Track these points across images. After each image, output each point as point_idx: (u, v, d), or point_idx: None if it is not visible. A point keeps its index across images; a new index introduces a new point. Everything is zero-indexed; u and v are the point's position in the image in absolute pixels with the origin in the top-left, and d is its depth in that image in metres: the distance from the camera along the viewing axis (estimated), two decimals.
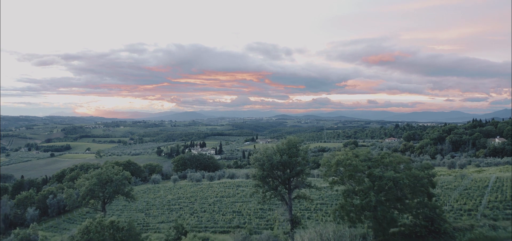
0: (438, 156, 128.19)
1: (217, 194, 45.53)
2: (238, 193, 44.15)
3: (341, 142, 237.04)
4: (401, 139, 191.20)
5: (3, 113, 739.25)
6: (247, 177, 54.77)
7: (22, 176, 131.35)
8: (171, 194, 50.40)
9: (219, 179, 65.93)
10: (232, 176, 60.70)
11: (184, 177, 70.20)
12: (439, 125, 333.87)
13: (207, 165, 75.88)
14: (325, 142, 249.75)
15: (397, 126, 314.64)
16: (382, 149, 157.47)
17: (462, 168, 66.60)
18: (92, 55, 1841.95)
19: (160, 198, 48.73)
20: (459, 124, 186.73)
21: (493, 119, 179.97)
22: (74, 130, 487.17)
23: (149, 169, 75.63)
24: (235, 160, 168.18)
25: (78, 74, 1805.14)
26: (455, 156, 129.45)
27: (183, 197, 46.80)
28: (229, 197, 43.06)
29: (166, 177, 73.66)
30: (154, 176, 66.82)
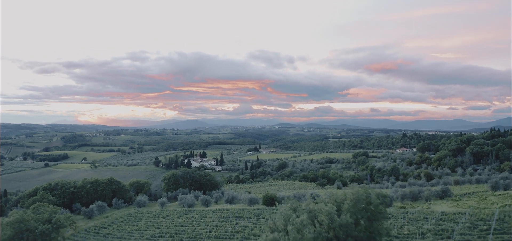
0: (459, 169, 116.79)
1: (210, 230, 34.89)
2: (238, 232, 33.41)
3: (348, 152, 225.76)
4: (414, 149, 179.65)
5: (6, 121, 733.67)
6: (250, 203, 44.13)
7: (5, 191, 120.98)
8: (154, 226, 39.83)
9: (216, 202, 55.29)
10: (231, 200, 50.04)
11: (175, 198, 59.39)
12: (443, 133, 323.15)
13: (203, 183, 65.38)
14: (331, 152, 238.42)
15: (404, 135, 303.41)
16: (395, 161, 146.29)
17: (506, 189, 55.49)
18: (94, 63, 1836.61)
19: (138, 232, 38.16)
20: (476, 134, 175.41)
21: None
22: (74, 139, 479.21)
23: (135, 188, 65.18)
24: (236, 172, 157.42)
25: (81, 82, 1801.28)
26: (478, 169, 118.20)
27: (167, 233, 36.16)
28: (226, 238, 32.38)
29: (154, 197, 63.02)
30: (139, 197, 56.19)
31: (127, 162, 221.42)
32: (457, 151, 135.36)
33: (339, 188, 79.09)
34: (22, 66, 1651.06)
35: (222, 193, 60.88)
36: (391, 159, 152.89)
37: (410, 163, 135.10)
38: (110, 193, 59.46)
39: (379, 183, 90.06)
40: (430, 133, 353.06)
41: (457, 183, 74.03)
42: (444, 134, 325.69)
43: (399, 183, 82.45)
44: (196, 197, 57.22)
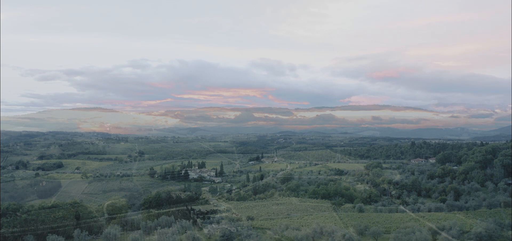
0: (489, 184, 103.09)
1: None
2: None
3: (358, 163, 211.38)
4: (431, 160, 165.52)
5: (7, 129, 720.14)
6: None
7: None
8: None
9: (208, 235, 41.91)
10: (227, 239, 36.63)
11: (156, 228, 45.92)
12: (447, 141, 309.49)
13: (193, 207, 52.06)
14: (338, 162, 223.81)
15: (413, 143, 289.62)
16: (413, 173, 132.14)
17: None
18: (95, 71, 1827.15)
19: None
20: (498, 143, 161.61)
21: None
22: (72, 146, 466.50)
23: (110, 213, 51.91)
24: (237, 184, 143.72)
25: (82, 90, 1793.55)
26: (511, 183, 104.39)
27: None
28: None
29: (131, 227, 49.64)
30: (108, 229, 42.91)
31: (120, 173, 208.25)
32: (483, 162, 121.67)
33: (361, 211, 65.44)
34: (23, 74, 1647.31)
35: (218, 222, 47.42)
36: (408, 171, 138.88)
37: (431, 176, 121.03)
38: (73, 221, 46.17)
39: (409, 204, 75.75)
40: (434, 141, 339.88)
41: (507, 205, 60.57)
42: (449, 142, 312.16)
43: (433, 204, 68.63)
44: (184, 229, 43.92)
